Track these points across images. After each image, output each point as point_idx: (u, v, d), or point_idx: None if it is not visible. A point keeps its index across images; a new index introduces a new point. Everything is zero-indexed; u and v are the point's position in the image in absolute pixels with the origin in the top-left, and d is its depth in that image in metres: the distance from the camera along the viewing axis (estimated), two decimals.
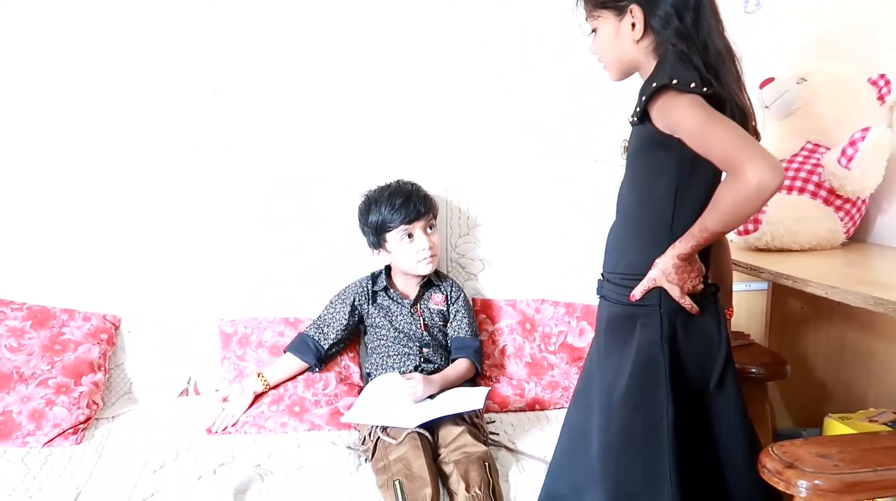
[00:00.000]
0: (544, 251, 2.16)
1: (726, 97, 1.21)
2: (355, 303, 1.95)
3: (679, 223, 1.23)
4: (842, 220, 1.89)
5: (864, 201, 1.92)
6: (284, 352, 1.90)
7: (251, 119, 2.00)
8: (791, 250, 1.86)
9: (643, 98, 1.20)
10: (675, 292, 1.23)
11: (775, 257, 1.78)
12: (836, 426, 1.67)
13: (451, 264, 2.14)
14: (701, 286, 1.25)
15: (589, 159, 2.23)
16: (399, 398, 1.73)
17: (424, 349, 1.92)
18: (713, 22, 1.23)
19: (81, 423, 1.74)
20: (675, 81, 1.16)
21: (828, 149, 1.94)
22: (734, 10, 2.17)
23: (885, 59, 1.94)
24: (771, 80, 2.01)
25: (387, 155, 2.05)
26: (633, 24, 1.23)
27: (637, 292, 1.25)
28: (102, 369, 1.88)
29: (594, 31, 1.31)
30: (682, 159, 1.20)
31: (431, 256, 1.91)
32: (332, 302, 1.96)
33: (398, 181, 1.95)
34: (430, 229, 1.92)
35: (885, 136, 1.80)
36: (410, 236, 1.89)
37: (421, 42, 2.06)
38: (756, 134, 1.28)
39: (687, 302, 1.23)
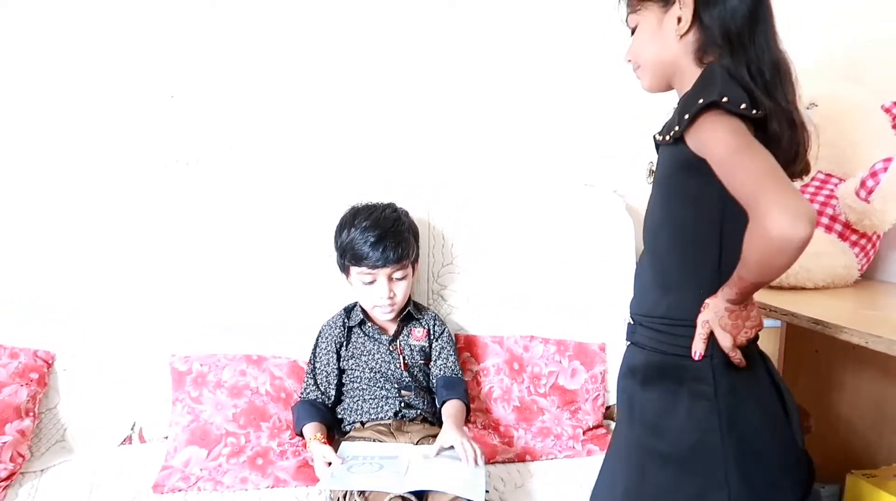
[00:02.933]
0: (533, 283, 1.98)
1: (776, 118, 1.05)
2: (337, 345, 1.75)
3: (728, 260, 1.05)
4: (857, 256, 1.76)
5: (878, 237, 1.79)
6: (296, 433, 1.67)
7: (209, 138, 1.82)
8: (805, 288, 1.72)
9: (686, 116, 1.02)
10: (725, 342, 1.05)
11: (790, 296, 1.64)
12: (861, 486, 1.52)
13: (433, 296, 1.95)
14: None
15: (578, 184, 2.09)
16: (391, 462, 1.51)
17: (404, 392, 1.72)
18: (769, 28, 1.08)
19: (3, 480, 1.49)
20: (725, 99, 1.00)
21: (840, 179, 1.81)
22: None
23: None
24: None
25: (364, 180, 1.87)
26: (680, 18, 1.09)
27: (699, 347, 1.07)
28: (31, 414, 1.63)
29: (633, 30, 1.18)
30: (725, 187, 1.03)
31: (391, 304, 1.72)
32: (317, 354, 1.76)
33: (384, 209, 1.74)
34: (398, 276, 1.72)
35: None
36: (372, 281, 1.70)
37: (398, 71, 1.92)
38: (806, 165, 1.13)
39: (737, 356, 1.06)
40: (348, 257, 1.70)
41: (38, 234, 1.71)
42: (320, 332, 1.78)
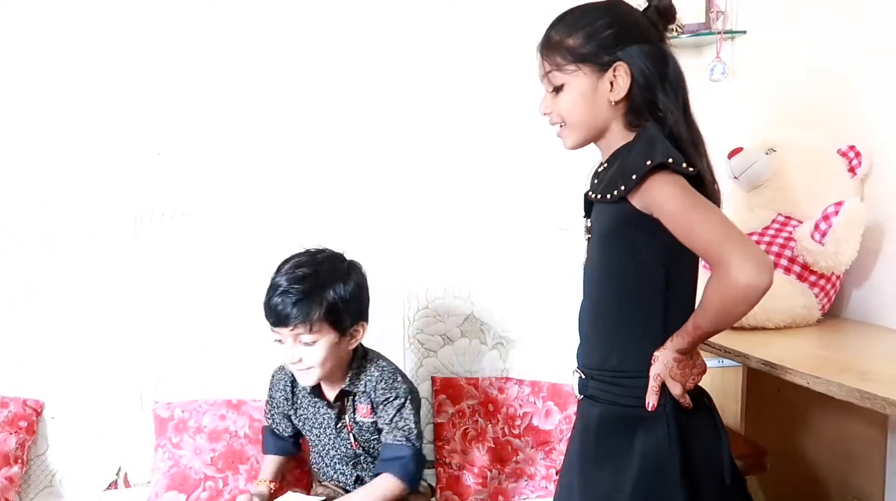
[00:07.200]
0: (508, 325, 2.04)
1: (706, 176, 1.13)
2: (286, 409, 1.67)
3: (673, 313, 1.12)
4: (816, 296, 1.80)
5: (838, 277, 1.83)
6: (264, 452, 1.70)
7: (189, 185, 1.89)
8: (765, 328, 1.76)
9: (634, 177, 1.07)
10: (676, 390, 1.10)
11: (749, 337, 1.68)
12: None
13: (410, 341, 2.01)
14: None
15: (553, 228, 2.15)
16: None
17: (358, 468, 1.65)
18: (688, 100, 1.16)
19: None
20: (670, 160, 1.06)
21: (799, 222, 1.86)
22: (700, 78, 2.14)
23: (853, 130, 1.89)
24: (739, 150, 1.94)
25: (338, 224, 1.93)
26: (612, 84, 1.13)
27: (652, 398, 1.11)
28: (20, 461, 1.70)
29: (557, 88, 1.17)
30: (669, 241, 1.08)
31: (300, 369, 1.52)
32: (270, 394, 1.70)
33: (296, 261, 1.56)
34: (306, 340, 1.49)
35: (858, 209, 1.73)
36: (280, 340, 1.53)
37: (370, 106, 1.97)
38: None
39: (686, 400, 1.12)
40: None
41: (26, 289, 1.80)
42: (270, 384, 1.69)
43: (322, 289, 1.49)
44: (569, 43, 1.15)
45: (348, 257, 1.61)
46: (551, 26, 1.19)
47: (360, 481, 1.64)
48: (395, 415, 1.58)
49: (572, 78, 1.15)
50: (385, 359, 1.66)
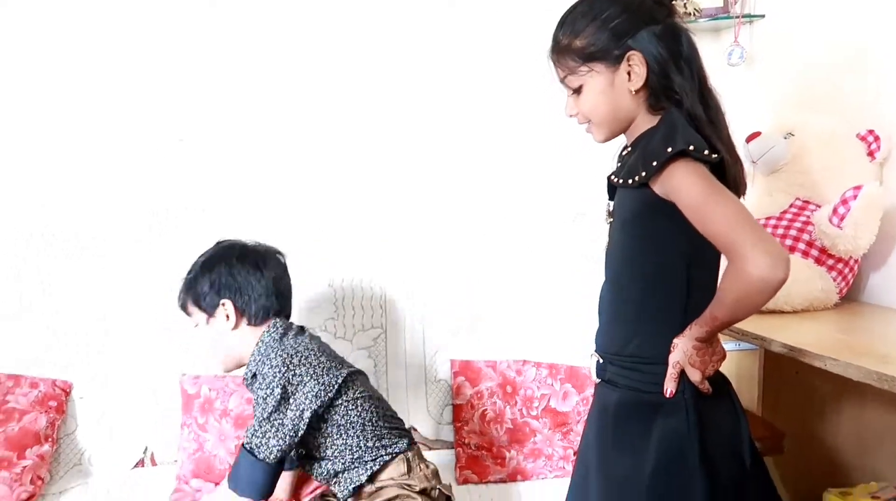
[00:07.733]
0: (526, 309, 2.06)
1: (729, 160, 1.12)
2: None
3: (695, 301, 1.12)
4: (835, 280, 1.81)
5: (856, 261, 1.84)
6: None
7: (205, 182, 1.92)
8: (783, 312, 1.77)
9: (654, 163, 1.07)
10: (695, 376, 1.11)
11: (768, 321, 1.69)
12: None
13: (429, 324, 2.04)
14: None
15: (571, 213, 2.16)
16: None
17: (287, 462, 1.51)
18: (705, 74, 1.15)
19: None
20: (691, 147, 1.05)
21: (818, 206, 1.86)
22: (718, 62, 2.13)
23: (872, 114, 1.89)
24: (758, 134, 1.95)
25: (355, 215, 1.96)
26: (630, 74, 1.12)
27: (671, 386, 1.11)
28: (50, 440, 1.75)
29: (576, 90, 1.18)
30: (690, 228, 1.07)
31: (206, 356, 1.53)
32: None
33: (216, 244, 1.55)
34: (193, 323, 1.50)
35: (877, 193, 1.73)
36: None
37: (384, 112, 1.99)
38: (745, 186, 1.19)
39: (705, 386, 1.12)
40: None
41: (54, 272, 1.84)
42: None
43: (199, 278, 1.48)
44: (577, 44, 1.14)
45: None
46: (557, 28, 1.18)
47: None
48: (255, 408, 1.39)
49: (588, 78, 1.15)
50: (283, 342, 1.43)
